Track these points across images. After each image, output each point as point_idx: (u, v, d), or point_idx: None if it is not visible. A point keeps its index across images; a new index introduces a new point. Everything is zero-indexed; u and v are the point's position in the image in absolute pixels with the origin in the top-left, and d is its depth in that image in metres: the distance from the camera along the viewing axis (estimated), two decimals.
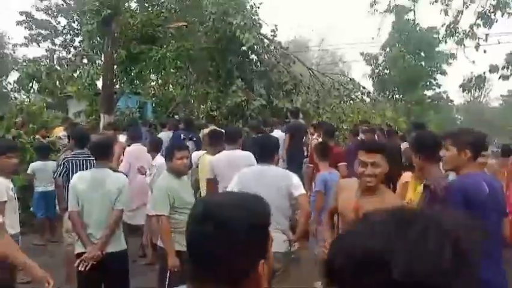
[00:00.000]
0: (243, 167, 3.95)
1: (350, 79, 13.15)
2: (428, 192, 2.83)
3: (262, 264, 1.05)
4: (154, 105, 14.22)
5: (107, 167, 3.76)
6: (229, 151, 4.78)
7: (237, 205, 1.08)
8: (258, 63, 12.14)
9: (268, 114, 11.19)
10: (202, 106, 12.68)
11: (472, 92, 29.90)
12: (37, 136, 8.30)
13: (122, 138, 7.13)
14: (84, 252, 3.49)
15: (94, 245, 3.51)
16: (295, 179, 3.64)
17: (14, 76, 21.67)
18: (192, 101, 13.22)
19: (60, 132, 8.67)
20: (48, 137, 8.53)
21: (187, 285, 1.11)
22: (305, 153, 7.83)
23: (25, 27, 21.27)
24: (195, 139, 7.22)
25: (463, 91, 21.00)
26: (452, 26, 13.05)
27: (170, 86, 15.01)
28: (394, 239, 0.65)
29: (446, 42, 14.05)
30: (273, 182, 3.50)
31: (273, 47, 12.37)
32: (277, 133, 7.42)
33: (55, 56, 20.15)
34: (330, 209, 3.19)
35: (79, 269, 3.44)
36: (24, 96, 19.02)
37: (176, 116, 12.00)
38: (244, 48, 11.50)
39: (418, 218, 0.69)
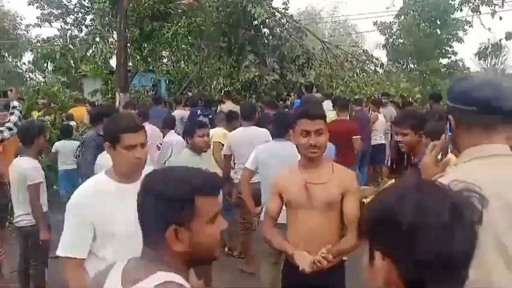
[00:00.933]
0: (259, 143, 4.07)
1: (363, 51, 13.02)
2: None
3: (175, 229, 1.16)
4: (167, 82, 14.32)
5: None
6: (245, 127, 4.89)
7: (161, 177, 1.23)
8: (270, 37, 12.09)
9: (282, 88, 11.23)
10: (214, 82, 12.75)
11: (489, 59, 29.23)
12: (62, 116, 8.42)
13: None
14: None
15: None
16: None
17: (28, 56, 21.89)
18: (205, 77, 13.28)
19: (84, 114, 8.68)
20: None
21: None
22: None
23: (37, 7, 21.33)
24: (210, 116, 7.32)
25: (479, 59, 20.58)
26: None
27: (183, 62, 15.06)
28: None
29: (461, 10, 13.72)
30: (288, 158, 3.61)
31: (285, 21, 12.28)
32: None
33: (68, 35, 20.24)
34: (271, 213, 2.59)
35: None
36: (40, 77, 19.30)
37: (189, 93, 12.11)
38: (255, 22, 11.46)
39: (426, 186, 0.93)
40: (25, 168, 3.83)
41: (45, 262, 4.03)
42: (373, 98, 9.45)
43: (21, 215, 3.92)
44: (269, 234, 2.57)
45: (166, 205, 1.18)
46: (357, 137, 5.99)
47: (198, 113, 7.74)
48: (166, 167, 1.23)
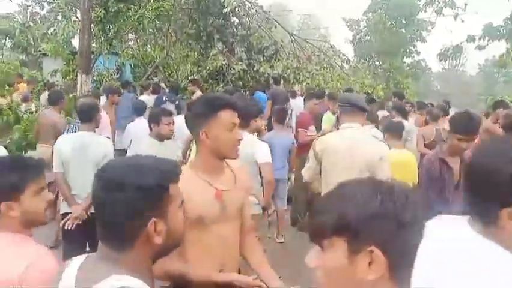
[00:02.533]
0: None
1: (331, 46, 13.17)
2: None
3: (155, 222, 1.13)
4: (132, 66, 14.01)
5: (92, 130, 3.83)
6: None
7: (128, 167, 1.15)
8: (239, 27, 12.02)
9: (249, 79, 11.21)
10: (181, 69, 12.58)
11: (450, 60, 30.31)
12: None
13: (102, 100, 7.11)
14: (69, 212, 3.61)
15: (79, 205, 3.63)
16: (261, 147, 3.73)
17: None
18: (172, 64, 13.07)
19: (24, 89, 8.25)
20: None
21: (99, 245, 1.19)
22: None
23: None
24: (177, 102, 7.24)
25: (441, 60, 21.32)
26: None
27: (149, 47, 14.75)
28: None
29: (425, 11, 14.15)
30: (242, 148, 3.62)
31: (254, 11, 12.22)
32: None
33: (28, 12, 19.36)
34: None
35: (65, 227, 3.57)
36: None
37: (155, 78, 11.90)
38: (225, 10, 11.34)
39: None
40: None
41: None
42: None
43: None
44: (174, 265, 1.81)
45: (145, 197, 1.13)
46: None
47: (164, 99, 7.63)
48: (125, 157, 1.14)
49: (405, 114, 6.59)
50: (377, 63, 24.96)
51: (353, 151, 3.10)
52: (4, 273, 1.46)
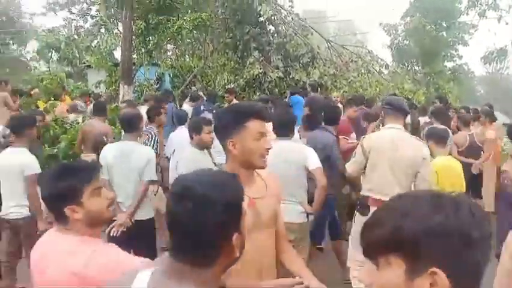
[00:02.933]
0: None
1: (368, 51, 12.99)
2: None
3: (236, 237, 1.14)
4: (171, 76, 14.33)
5: (135, 139, 3.93)
6: None
7: (213, 183, 1.14)
8: (275, 35, 12.08)
9: (285, 86, 11.22)
10: (219, 77, 12.74)
11: (494, 64, 29.17)
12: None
13: (142, 110, 7.29)
14: (114, 220, 3.72)
15: (123, 213, 3.73)
16: (310, 153, 3.74)
17: (32, 45, 21.88)
18: (209, 73, 13.28)
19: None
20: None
21: (168, 261, 1.16)
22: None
23: None
24: (214, 112, 7.30)
25: (485, 63, 20.55)
26: None
27: (187, 57, 15.06)
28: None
29: (467, 13, 13.70)
30: (289, 157, 3.63)
31: (290, 18, 12.26)
32: None
33: (73, 25, 20.27)
34: None
35: (110, 234, 3.67)
36: (44, 66, 19.32)
37: (193, 88, 12.12)
38: (261, 19, 11.44)
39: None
40: (22, 159, 3.78)
41: None
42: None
43: (12, 207, 3.82)
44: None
45: (232, 213, 1.14)
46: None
47: (202, 108, 7.74)
48: (194, 172, 1.11)
49: (448, 120, 6.35)
50: (416, 67, 24.37)
51: (398, 151, 3.34)
52: (64, 272, 1.55)
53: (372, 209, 3.30)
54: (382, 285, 0.87)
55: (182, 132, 5.41)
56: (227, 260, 1.16)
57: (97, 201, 1.69)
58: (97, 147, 5.34)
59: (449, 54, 24.73)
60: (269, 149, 1.90)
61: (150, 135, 5.17)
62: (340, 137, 5.86)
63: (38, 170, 3.83)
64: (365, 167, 3.55)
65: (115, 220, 3.71)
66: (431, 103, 8.84)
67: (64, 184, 1.64)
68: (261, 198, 1.93)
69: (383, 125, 3.80)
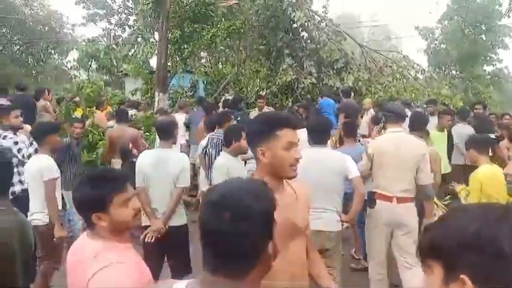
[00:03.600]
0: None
1: (404, 56, 12.73)
2: None
3: (271, 244, 1.15)
4: (205, 83, 14.54)
5: (170, 147, 4.01)
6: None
7: (248, 192, 1.13)
8: (309, 41, 12.03)
9: (318, 92, 11.14)
10: (252, 84, 12.81)
11: None
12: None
13: (178, 117, 7.44)
14: (149, 226, 3.80)
15: (158, 219, 3.80)
16: (349, 161, 3.72)
17: (73, 55, 22.71)
18: (242, 80, 13.37)
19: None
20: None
21: (203, 274, 1.15)
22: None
23: (83, 7, 22.16)
24: (238, 118, 7.21)
25: None
26: None
27: (221, 64, 15.23)
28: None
29: (509, 16, 13.20)
30: (326, 165, 3.61)
31: (324, 24, 12.19)
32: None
33: (111, 35, 20.93)
34: None
35: (145, 240, 3.75)
36: (84, 75, 20.02)
37: (227, 95, 12.24)
38: (295, 25, 11.44)
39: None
40: (41, 164, 3.86)
41: (59, 262, 3.88)
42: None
43: (34, 213, 3.86)
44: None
45: (267, 223, 1.14)
46: None
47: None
48: (229, 180, 1.10)
49: (491, 127, 6.13)
50: (453, 72, 23.65)
51: (401, 150, 3.78)
52: (80, 279, 1.60)
53: (378, 202, 3.83)
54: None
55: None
56: (262, 269, 1.16)
57: (123, 211, 1.72)
58: (123, 153, 5.51)
59: (488, 58, 23.88)
60: (299, 158, 1.88)
61: (219, 140, 5.20)
62: None
63: (57, 175, 3.92)
64: (371, 168, 3.98)
65: (149, 226, 3.79)
66: (471, 108, 8.51)
67: (93, 192, 1.68)
68: (290, 206, 1.91)
69: (385, 129, 4.24)
